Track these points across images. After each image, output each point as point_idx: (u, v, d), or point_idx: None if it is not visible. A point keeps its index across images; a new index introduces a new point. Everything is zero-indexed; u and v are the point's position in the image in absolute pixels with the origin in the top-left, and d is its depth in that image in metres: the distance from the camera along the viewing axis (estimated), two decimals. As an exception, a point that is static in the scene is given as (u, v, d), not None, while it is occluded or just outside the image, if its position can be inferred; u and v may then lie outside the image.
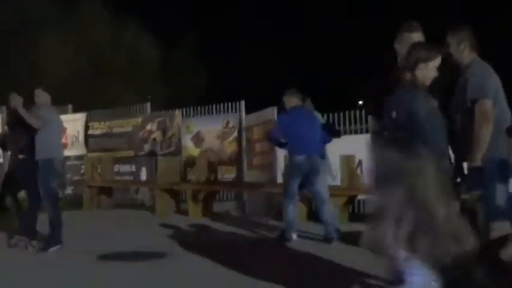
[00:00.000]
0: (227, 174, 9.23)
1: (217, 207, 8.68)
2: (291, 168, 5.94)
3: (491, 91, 3.25)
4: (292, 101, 5.94)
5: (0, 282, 4.38)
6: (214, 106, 9.66)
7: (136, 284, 4.32)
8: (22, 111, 5.48)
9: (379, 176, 2.65)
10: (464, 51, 3.37)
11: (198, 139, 9.61)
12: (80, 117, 11.06)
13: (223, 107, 9.46)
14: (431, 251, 2.19)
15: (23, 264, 4.97)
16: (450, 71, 3.51)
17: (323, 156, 6.15)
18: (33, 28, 16.55)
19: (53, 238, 5.41)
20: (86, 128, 11.00)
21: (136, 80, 17.72)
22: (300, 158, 5.67)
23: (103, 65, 17.19)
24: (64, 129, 6.58)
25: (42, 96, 5.80)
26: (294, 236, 5.86)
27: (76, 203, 9.27)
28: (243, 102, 9.16)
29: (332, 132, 6.48)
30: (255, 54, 21.97)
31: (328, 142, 6.27)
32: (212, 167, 8.86)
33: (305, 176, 5.71)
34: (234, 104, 9.28)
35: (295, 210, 5.78)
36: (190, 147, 9.66)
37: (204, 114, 9.97)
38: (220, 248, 5.57)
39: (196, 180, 8.66)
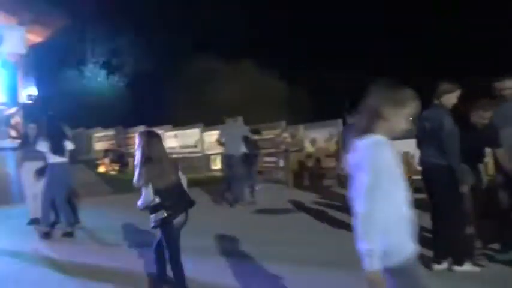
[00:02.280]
0: (330, 163, 13.09)
1: (324, 182, 12.79)
2: None
3: None
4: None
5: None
6: (323, 122, 14.40)
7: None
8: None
9: None
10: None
11: (313, 142, 14.46)
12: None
13: (329, 122, 13.90)
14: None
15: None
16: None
17: None
18: (216, 77, 25.01)
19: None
20: None
21: (275, 106, 24.70)
22: None
23: (254, 97, 24.95)
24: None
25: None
26: None
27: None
28: (340, 120, 12.72)
29: None
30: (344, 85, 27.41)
31: None
32: (320, 158, 13.39)
33: None
34: (334, 121, 13.39)
35: None
36: (308, 147, 14.45)
37: (317, 127, 14.51)
38: (321, 204, 9.53)
39: (311, 166, 13.55)
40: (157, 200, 3.61)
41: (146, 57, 32.20)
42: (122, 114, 27.21)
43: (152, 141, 3.73)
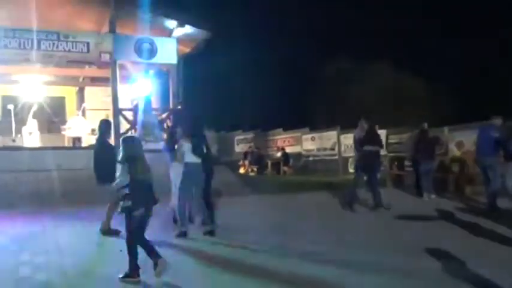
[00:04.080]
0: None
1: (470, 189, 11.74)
2: None
3: None
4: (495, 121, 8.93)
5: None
6: (470, 124, 13.35)
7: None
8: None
9: None
10: None
11: (459, 145, 13.61)
12: (382, 132, 16.51)
13: (477, 124, 12.67)
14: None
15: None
16: None
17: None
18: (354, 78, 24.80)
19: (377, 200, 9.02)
20: (387, 138, 16.38)
21: (417, 107, 23.55)
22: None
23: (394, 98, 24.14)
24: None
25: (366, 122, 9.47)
26: None
27: (380, 183, 11.43)
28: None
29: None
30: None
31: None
32: (467, 163, 12.31)
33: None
34: (484, 122, 11.69)
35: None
36: (454, 150, 13.73)
37: (464, 129, 13.65)
38: (466, 212, 8.88)
39: (458, 171, 12.62)
40: (126, 190, 4.46)
41: (283, 60, 32.99)
42: (261, 118, 28.23)
43: (136, 144, 4.72)
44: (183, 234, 6.81)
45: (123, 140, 4.75)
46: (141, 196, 4.47)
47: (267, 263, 5.17)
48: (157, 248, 5.74)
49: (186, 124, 7.35)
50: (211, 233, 6.93)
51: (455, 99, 25.66)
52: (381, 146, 10.11)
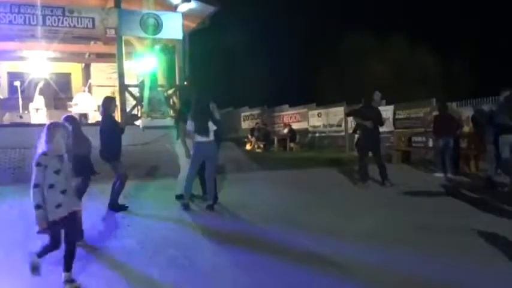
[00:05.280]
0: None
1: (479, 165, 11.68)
2: None
3: None
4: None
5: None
6: (478, 99, 13.49)
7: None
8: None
9: None
10: None
11: (468, 121, 13.56)
12: (390, 108, 16.40)
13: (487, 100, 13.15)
14: None
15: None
16: None
17: None
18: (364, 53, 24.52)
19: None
20: (394, 114, 16.37)
21: (428, 82, 23.27)
22: None
23: (405, 73, 23.80)
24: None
25: (378, 96, 9.60)
26: None
27: (387, 159, 12.38)
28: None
29: None
30: None
31: None
32: (477, 138, 12.24)
33: None
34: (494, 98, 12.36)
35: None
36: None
37: (466, 105, 13.79)
38: (474, 188, 9.41)
39: (466, 147, 12.49)
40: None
41: (290, 36, 32.59)
42: (267, 94, 28.06)
43: (77, 124, 5.44)
44: (185, 207, 6.99)
45: (65, 119, 5.25)
46: (80, 168, 5.10)
47: (275, 238, 5.19)
48: (162, 223, 5.81)
49: (193, 104, 7.33)
50: (210, 207, 7.01)
51: (469, 75, 25.31)
52: (375, 122, 9.26)
